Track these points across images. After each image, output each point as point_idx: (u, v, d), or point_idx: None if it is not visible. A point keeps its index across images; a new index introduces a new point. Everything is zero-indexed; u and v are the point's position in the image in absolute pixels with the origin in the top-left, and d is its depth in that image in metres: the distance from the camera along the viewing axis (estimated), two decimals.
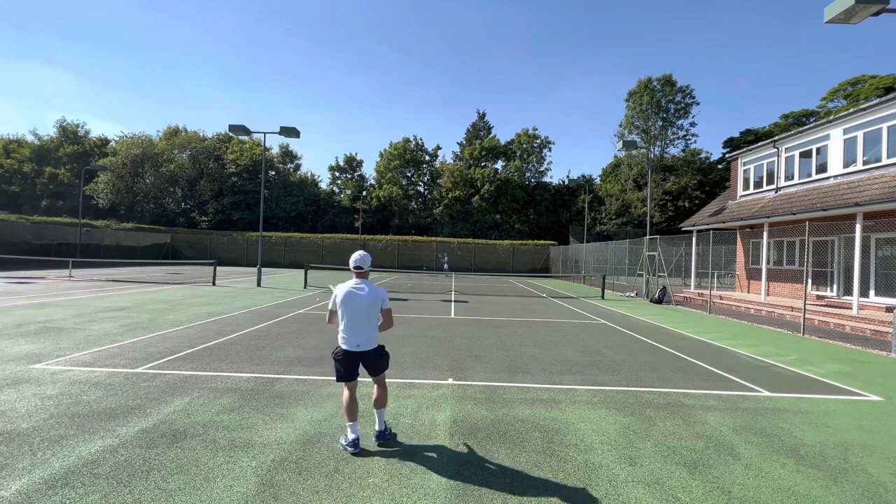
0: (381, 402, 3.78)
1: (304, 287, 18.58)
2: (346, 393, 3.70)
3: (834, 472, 3.51)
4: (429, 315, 11.81)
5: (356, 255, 3.80)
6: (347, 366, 3.66)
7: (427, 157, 54.17)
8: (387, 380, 5.60)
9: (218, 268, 22.08)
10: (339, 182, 55.67)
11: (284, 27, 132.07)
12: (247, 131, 18.84)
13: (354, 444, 3.55)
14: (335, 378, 3.75)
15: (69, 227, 33.22)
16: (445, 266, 29.62)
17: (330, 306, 3.76)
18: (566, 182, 54.16)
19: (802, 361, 7.60)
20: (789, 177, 15.97)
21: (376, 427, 3.76)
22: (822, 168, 14.60)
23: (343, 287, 3.70)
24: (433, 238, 43.51)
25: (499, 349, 7.72)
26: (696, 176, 47.27)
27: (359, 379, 3.80)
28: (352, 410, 3.63)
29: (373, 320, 3.71)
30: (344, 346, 3.66)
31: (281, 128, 18.42)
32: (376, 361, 3.74)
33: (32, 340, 7.13)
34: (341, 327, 3.67)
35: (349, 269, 3.87)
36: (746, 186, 18.25)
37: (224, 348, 7.04)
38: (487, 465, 3.41)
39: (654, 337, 9.63)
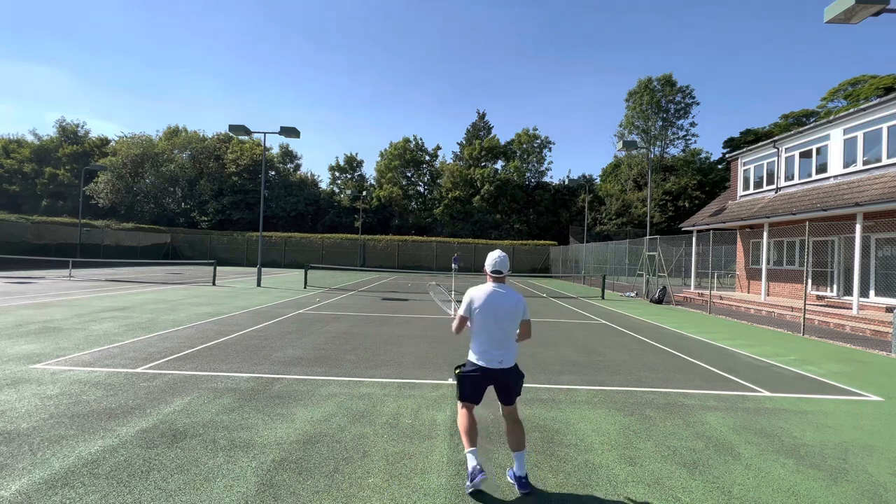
0: (521, 441, 3.08)
1: (304, 287, 18.59)
2: (465, 413, 3.08)
3: (834, 472, 3.50)
4: (428, 315, 11.81)
5: (496, 257, 3.16)
6: (480, 385, 3.08)
7: (427, 158, 54.24)
8: (386, 379, 5.65)
9: (218, 268, 22.07)
10: (339, 182, 55.73)
11: (283, 27, 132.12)
12: (247, 131, 18.86)
13: (477, 473, 2.87)
14: (458, 397, 3.13)
15: (69, 227, 33.23)
16: (455, 266, 29.53)
17: (461, 312, 3.15)
18: (566, 182, 54.22)
19: (802, 361, 7.60)
20: (789, 177, 15.97)
21: (516, 471, 3.04)
22: (822, 168, 14.60)
23: (481, 290, 3.11)
24: (433, 238, 43.56)
25: None
26: (696, 176, 47.33)
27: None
28: (474, 433, 3.04)
29: (513, 333, 3.12)
30: (481, 363, 3.03)
31: (281, 128, 18.44)
32: (517, 382, 3.13)
33: (32, 340, 7.13)
34: (478, 340, 3.08)
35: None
36: (746, 186, 18.26)
37: (224, 348, 7.04)
38: (487, 466, 3.40)
39: (654, 337, 9.63)
